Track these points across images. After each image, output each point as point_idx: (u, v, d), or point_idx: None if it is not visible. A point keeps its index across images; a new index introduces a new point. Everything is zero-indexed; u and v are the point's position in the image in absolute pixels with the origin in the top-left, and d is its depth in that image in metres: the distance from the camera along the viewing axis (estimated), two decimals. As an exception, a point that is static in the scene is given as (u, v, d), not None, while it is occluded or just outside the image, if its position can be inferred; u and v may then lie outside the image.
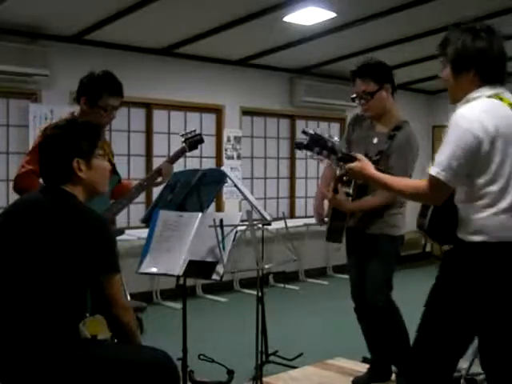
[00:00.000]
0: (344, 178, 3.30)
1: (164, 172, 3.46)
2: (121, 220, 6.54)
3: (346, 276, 8.74)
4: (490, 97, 2.32)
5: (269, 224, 3.86)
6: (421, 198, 2.43)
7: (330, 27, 6.23)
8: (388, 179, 2.51)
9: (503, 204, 2.27)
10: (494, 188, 2.26)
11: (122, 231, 3.62)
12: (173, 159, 3.58)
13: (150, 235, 3.33)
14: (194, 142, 3.67)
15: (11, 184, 3.31)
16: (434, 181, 2.28)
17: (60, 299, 2.23)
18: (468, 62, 2.35)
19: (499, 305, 2.30)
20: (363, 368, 3.91)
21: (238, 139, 7.66)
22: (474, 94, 2.34)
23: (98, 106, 3.23)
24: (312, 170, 8.65)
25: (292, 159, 8.42)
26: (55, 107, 5.96)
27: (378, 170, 2.62)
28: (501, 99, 2.33)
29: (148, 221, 3.47)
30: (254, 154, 8.02)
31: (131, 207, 6.66)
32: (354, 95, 3.50)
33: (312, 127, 8.59)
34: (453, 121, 2.28)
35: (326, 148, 2.48)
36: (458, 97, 2.41)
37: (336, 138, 2.52)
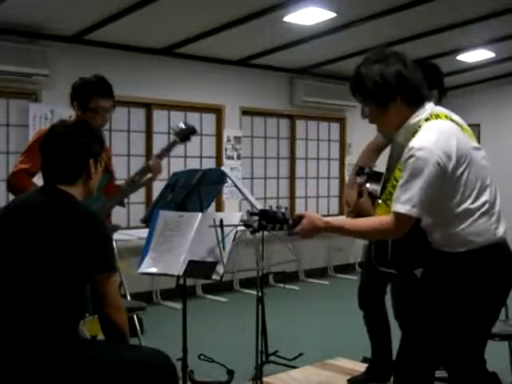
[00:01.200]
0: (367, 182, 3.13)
1: (153, 167, 3.42)
2: (121, 220, 6.54)
3: (347, 276, 8.81)
4: (427, 120, 2.30)
5: (269, 224, 3.84)
6: (387, 234, 2.37)
7: (330, 27, 6.23)
8: (348, 223, 2.43)
9: (478, 212, 2.27)
10: (468, 202, 2.26)
11: (117, 227, 3.61)
12: (162, 154, 3.49)
13: (150, 235, 3.33)
14: (185, 133, 3.58)
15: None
16: (403, 218, 2.23)
17: (58, 299, 2.23)
18: (391, 90, 2.28)
19: (491, 307, 2.33)
20: (363, 368, 3.90)
21: (237, 139, 7.66)
22: (411, 121, 2.31)
23: (90, 108, 3.27)
24: (312, 170, 8.65)
25: (292, 159, 8.42)
26: (55, 107, 5.96)
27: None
28: (438, 116, 2.31)
29: (148, 221, 3.46)
30: (254, 154, 8.02)
31: (131, 207, 6.67)
32: None
33: (312, 127, 8.61)
34: (413, 155, 2.21)
35: (278, 221, 2.40)
36: (390, 130, 2.38)
37: (283, 208, 2.43)
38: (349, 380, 3.74)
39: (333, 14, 5.85)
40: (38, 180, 2.91)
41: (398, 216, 2.24)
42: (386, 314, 3.66)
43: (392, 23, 6.09)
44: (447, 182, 2.23)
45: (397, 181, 2.31)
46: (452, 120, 2.34)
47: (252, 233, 2.52)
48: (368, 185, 2.90)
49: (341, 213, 8.75)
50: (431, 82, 3.16)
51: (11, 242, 2.28)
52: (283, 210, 2.43)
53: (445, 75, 3.41)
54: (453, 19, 6.15)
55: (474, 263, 2.28)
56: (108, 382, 2.23)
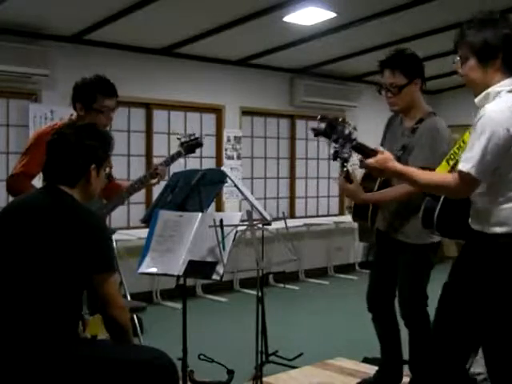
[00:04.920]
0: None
1: (160, 174, 3.48)
2: (121, 220, 6.55)
3: (347, 276, 8.82)
4: (510, 91, 2.32)
5: (269, 224, 3.85)
6: (448, 191, 2.41)
7: (330, 27, 6.23)
8: (413, 172, 2.46)
9: None
10: None
11: (113, 231, 3.62)
12: (168, 162, 3.56)
13: (150, 235, 3.33)
14: (191, 145, 3.63)
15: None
16: (465, 176, 2.26)
17: (58, 298, 2.23)
18: (496, 49, 2.33)
19: None
20: (364, 368, 3.90)
21: (237, 139, 7.66)
22: (496, 88, 2.33)
23: (94, 109, 3.25)
24: (312, 169, 8.65)
25: (292, 159, 8.42)
26: (55, 107, 5.96)
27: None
28: None
29: (148, 221, 3.47)
30: (254, 154, 8.02)
31: (131, 207, 6.67)
32: (381, 86, 3.30)
33: (312, 127, 8.60)
34: (483, 115, 2.25)
35: (342, 136, 2.36)
36: (480, 90, 2.40)
37: (352, 126, 2.40)
38: (359, 383, 3.68)
39: (333, 14, 5.85)
40: (38, 181, 2.91)
41: (459, 174, 2.28)
42: (396, 316, 3.59)
43: (392, 23, 6.08)
44: (510, 151, 2.23)
45: (464, 142, 2.39)
46: None
47: (315, 134, 2.46)
48: (349, 166, 2.88)
49: (341, 213, 8.75)
50: (414, 72, 3.23)
51: (11, 241, 2.28)
52: (351, 129, 2.38)
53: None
54: (453, 19, 6.15)
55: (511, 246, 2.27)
56: (108, 381, 2.23)
